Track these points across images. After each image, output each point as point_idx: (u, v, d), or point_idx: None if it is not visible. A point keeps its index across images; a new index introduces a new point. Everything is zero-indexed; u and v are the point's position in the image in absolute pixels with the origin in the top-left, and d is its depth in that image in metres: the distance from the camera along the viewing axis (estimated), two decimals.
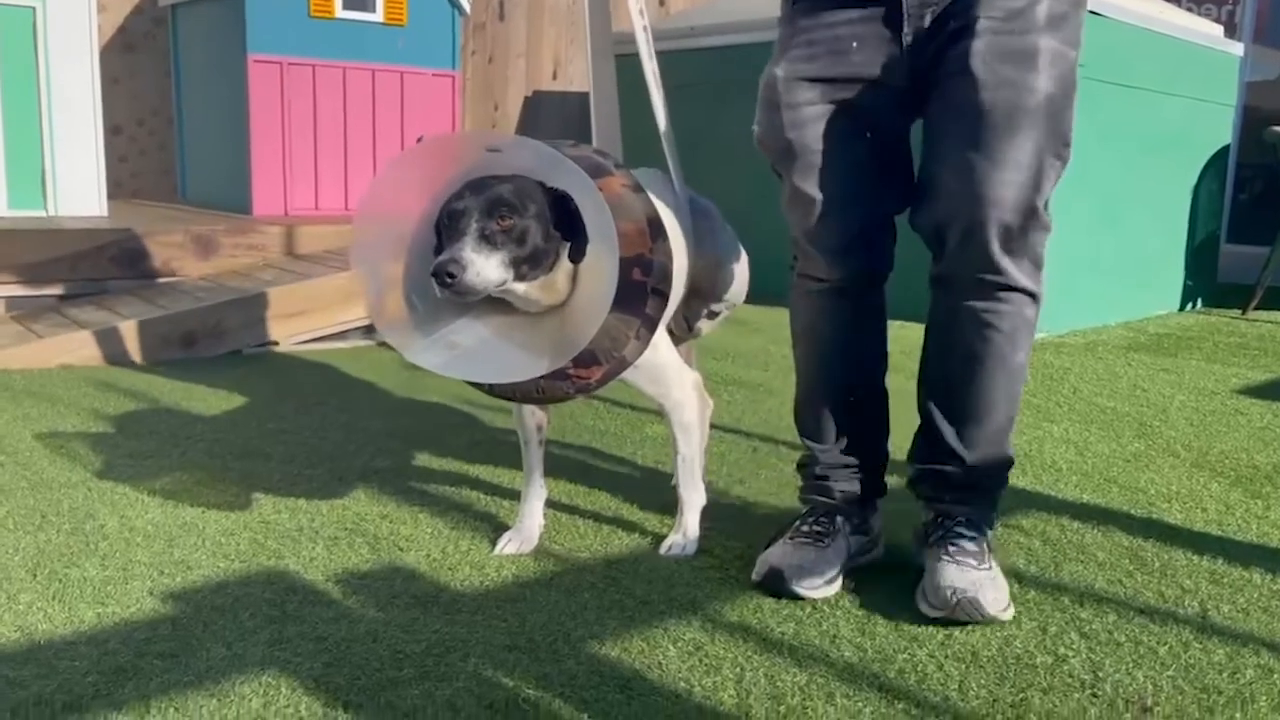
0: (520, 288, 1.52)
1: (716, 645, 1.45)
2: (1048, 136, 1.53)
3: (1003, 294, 1.58)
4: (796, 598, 1.59)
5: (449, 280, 1.42)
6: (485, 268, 1.46)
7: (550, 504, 1.93)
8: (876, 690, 1.34)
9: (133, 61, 5.26)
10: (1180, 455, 2.43)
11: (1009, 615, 1.54)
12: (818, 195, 1.64)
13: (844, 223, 1.65)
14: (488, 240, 1.47)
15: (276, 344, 3.50)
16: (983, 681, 1.36)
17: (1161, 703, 1.32)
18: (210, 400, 2.79)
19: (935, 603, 1.53)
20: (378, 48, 4.57)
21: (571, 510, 1.99)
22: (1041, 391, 3.03)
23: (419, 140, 1.71)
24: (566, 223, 1.52)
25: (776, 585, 1.61)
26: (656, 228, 1.57)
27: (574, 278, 1.56)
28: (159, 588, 1.61)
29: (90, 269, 3.59)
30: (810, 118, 1.63)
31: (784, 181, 1.69)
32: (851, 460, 1.75)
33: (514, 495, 2.05)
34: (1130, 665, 1.41)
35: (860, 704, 1.30)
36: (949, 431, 1.66)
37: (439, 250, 1.50)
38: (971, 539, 1.60)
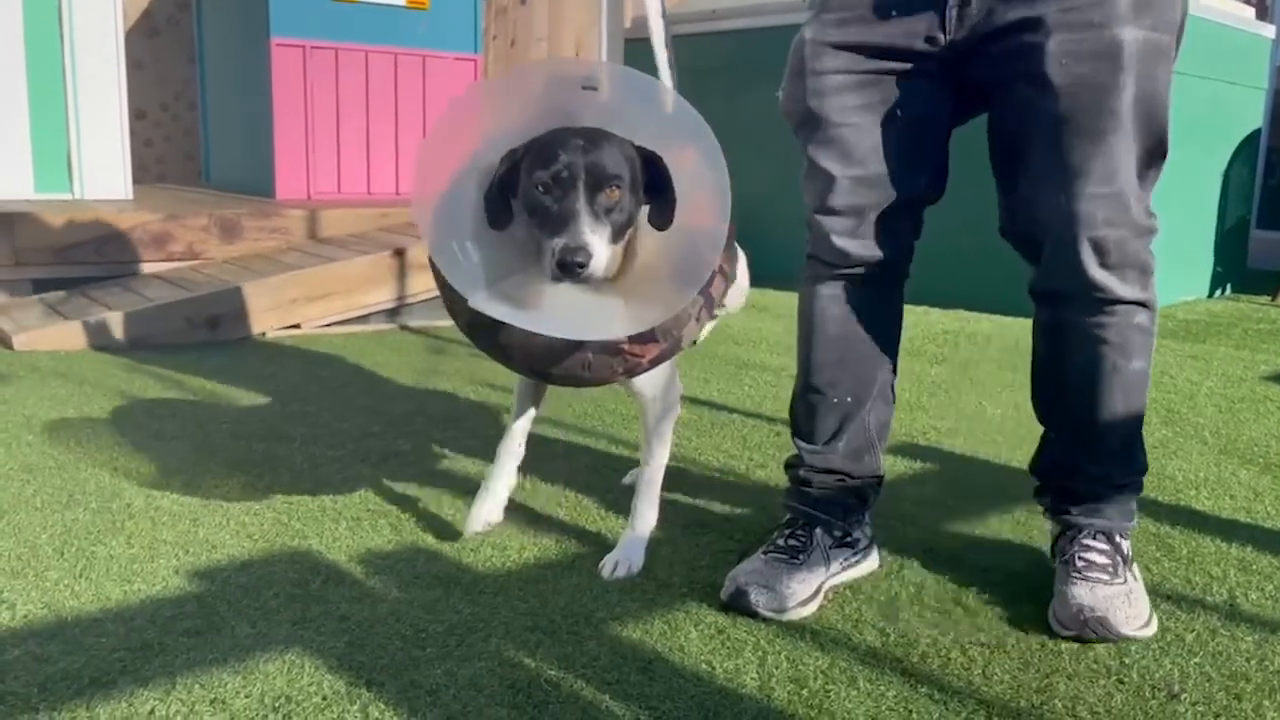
0: None
1: (738, 629, 1.45)
2: (1141, 138, 1.40)
3: (1108, 307, 1.46)
4: (760, 617, 1.47)
5: (580, 270, 1.31)
6: (602, 250, 1.34)
7: (570, 486, 1.93)
8: (899, 675, 1.33)
9: (156, 46, 5.28)
10: (1208, 442, 2.40)
11: (1148, 633, 1.43)
12: (834, 171, 1.53)
13: (859, 203, 1.54)
14: (599, 217, 1.35)
15: (299, 327, 3.52)
16: (1007, 667, 1.35)
17: (1189, 690, 1.30)
18: (234, 382, 2.81)
19: (1064, 621, 1.42)
20: (400, 31, 4.57)
21: (593, 492, 1.99)
22: None
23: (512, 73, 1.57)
24: (652, 185, 1.41)
25: (740, 605, 1.48)
26: (724, 202, 1.45)
27: (632, 243, 1.45)
28: (184, 566, 1.62)
29: (116, 252, 3.62)
30: (834, 87, 1.52)
31: (803, 153, 1.60)
32: (841, 467, 1.62)
33: (535, 475, 2.06)
34: (1157, 652, 1.39)
35: (883, 688, 1.30)
36: (1068, 446, 1.56)
37: (496, 208, 1.39)
38: (1102, 551, 1.49)
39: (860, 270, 1.58)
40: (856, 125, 1.52)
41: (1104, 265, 1.43)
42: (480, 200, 1.42)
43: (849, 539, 1.62)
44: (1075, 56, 1.38)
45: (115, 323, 3.21)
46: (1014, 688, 1.30)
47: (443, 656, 1.35)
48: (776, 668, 1.34)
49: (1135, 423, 1.55)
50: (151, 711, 1.22)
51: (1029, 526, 1.83)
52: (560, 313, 1.39)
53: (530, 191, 1.37)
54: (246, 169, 4.72)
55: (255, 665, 1.32)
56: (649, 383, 1.64)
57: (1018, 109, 1.46)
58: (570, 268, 1.31)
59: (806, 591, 1.51)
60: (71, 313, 3.27)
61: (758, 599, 1.47)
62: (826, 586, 1.56)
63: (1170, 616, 1.50)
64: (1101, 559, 1.49)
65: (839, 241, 1.56)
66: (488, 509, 1.71)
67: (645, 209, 1.43)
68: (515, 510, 1.88)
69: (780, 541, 1.59)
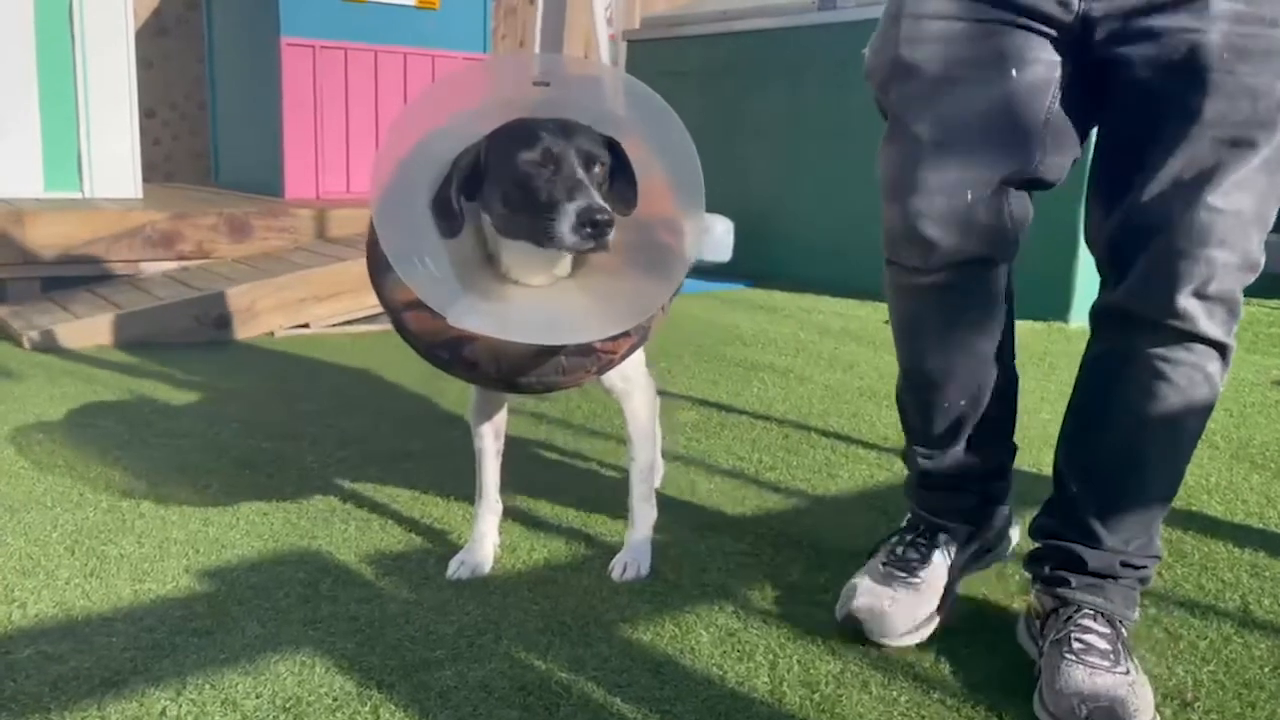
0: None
1: (749, 632, 1.44)
2: None
3: (1185, 343, 1.26)
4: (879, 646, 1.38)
5: (609, 229, 1.24)
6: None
7: (579, 487, 1.92)
8: (911, 679, 1.32)
9: (166, 45, 5.29)
10: (1220, 447, 2.39)
11: None
12: (926, 135, 1.28)
13: (955, 179, 1.29)
14: (597, 188, 1.31)
15: (308, 326, 3.52)
16: (1020, 673, 1.35)
17: (1202, 698, 1.29)
18: (243, 381, 2.81)
19: (1057, 712, 1.22)
20: (409, 31, 4.57)
21: (602, 494, 1.99)
22: None
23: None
24: (613, 172, 1.37)
25: (855, 629, 1.39)
26: (691, 185, 1.42)
27: None
28: (194, 566, 1.62)
29: (125, 250, 3.63)
30: (937, 34, 1.28)
31: (887, 118, 1.36)
32: (963, 468, 1.47)
33: (545, 477, 2.05)
34: (1170, 659, 1.39)
35: (895, 693, 1.29)
36: (1088, 504, 1.35)
37: (448, 214, 1.31)
38: (1102, 635, 1.29)
39: (956, 272, 1.36)
40: (962, 81, 1.27)
41: (1198, 292, 1.23)
42: (428, 210, 1.33)
43: (976, 537, 1.51)
44: (1240, 53, 1.17)
45: (124, 321, 3.21)
46: (1027, 693, 1.30)
47: (453, 658, 1.35)
48: (788, 671, 1.34)
49: (1169, 494, 1.36)
50: (163, 712, 1.22)
51: None
52: (539, 319, 1.33)
53: (518, 172, 1.29)
54: (255, 168, 4.72)
55: (266, 666, 1.32)
56: (622, 376, 1.59)
57: (1151, 102, 1.23)
58: (600, 226, 1.24)
59: (924, 613, 1.40)
60: (81, 311, 3.27)
61: (872, 628, 1.38)
62: (951, 599, 1.45)
63: (1183, 623, 1.49)
64: (1102, 643, 1.28)
65: (926, 228, 1.31)
66: (475, 562, 1.62)
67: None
68: (524, 512, 1.88)
69: (899, 550, 1.47)
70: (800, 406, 2.66)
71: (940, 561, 1.46)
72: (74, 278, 3.58)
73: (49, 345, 3.09)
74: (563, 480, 2.06)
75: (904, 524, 1.54)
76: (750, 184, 4.95)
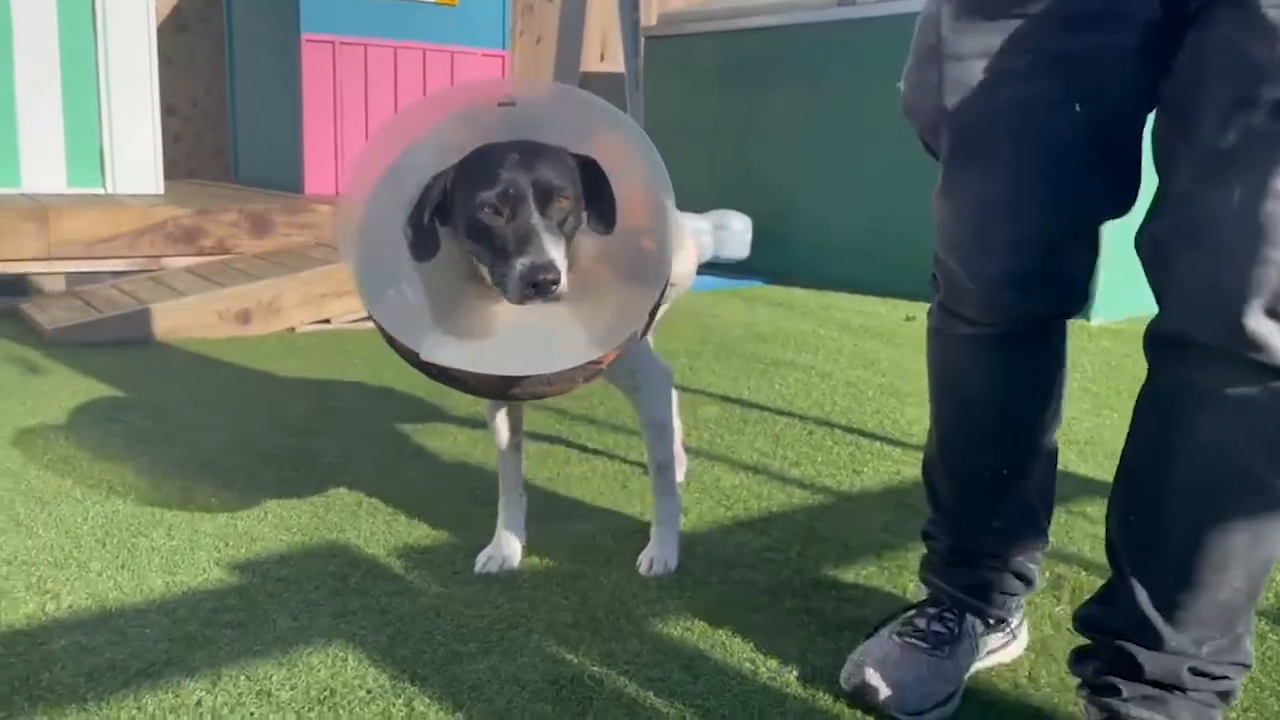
0: None
1: (779, 627, 1.44)
2: None
3: (1267, 380, 0.98)
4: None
5: (554, 288, 1.21)
6: (564, 265, 1.25)
7: (608, 482, 1.92)
8: None
9: (187, 42, 5.31)
10: None
11: None
12: (988, 195, 1.11)
13: (1023, 237, 1.11)
14: (554, 231, 1.26)
15: (329, 322, 3.53)
16: (1053, 670, 1.34)
17: (1240, 697, 1.28)
18: (265, 376, 2.82)
19: None
20: (429, 27, 4.58)
21: (629, 488, 1.98)
22: (1100, 378, 2.97)
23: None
24: (590, 191, 1.32)
25: (864, 699, 1.22)
26: (660, 190, 1.38)
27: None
28: (224, 558, 1.63)
29: (148, 246, 3.65)
30: (984, 77, 1.08)
31: (936, 159, 1.20)
32: (998, 549, 1.30)
33: (572, 471, 2.06)
34: None
35: None
36: (1144, 592, 1.08)
37: (422, 237, 1.29)
38: None
39: (1015, 327, 1.18)
40: (1019, 131, 1.09)
41: (1271, 309, 0.94)
42: (403, 234, 1.30)
43: (1003, 621, 1.32)
44: None
45: (148, 317, 3.23)
46: (1061, 690, 1.29)
47: (485, 652, 1.35)
48: (820, 667, 1.33)
49: (1257, 579, 1.05)
50: (199, 702, 1.22)
51: (1070, 528, 1.81)
52: (519, 343, 1.31)
53: (475, 215, 1.26)
54: (275, 164, 4.74)
55: (299, 658, 1.32)
56: (629, 371, 1.57)
57: (1205, 52, 0.98)
58: (543, 287, 1.21)
59: (947, 689, 1.23)
60: (104, 306, 3.29)
61: (888, 698, 1.20)
62: (967, 677, 1.28)
63: None
64: None
65: (996, 293, 1.14)
66: (502, 556, 1.63)
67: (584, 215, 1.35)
68: (553, 507, 1.88)
69: (921, 624, 1.29)
70: (822, 403, 2.66)
71: (967, 641, 1.28)
72: (97, 273, 3.60)
73: (73, 339, 3.11)
74: (589, 475, 2.06)
75: (925, 599, 1.35)
76: (769, 180, 4.94)
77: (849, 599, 1.52)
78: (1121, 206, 1.15)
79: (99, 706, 1.21)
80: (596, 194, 1.33)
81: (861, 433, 2.39)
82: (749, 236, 5.45)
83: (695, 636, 1.41)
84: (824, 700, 1.26)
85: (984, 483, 1.28)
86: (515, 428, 1.67)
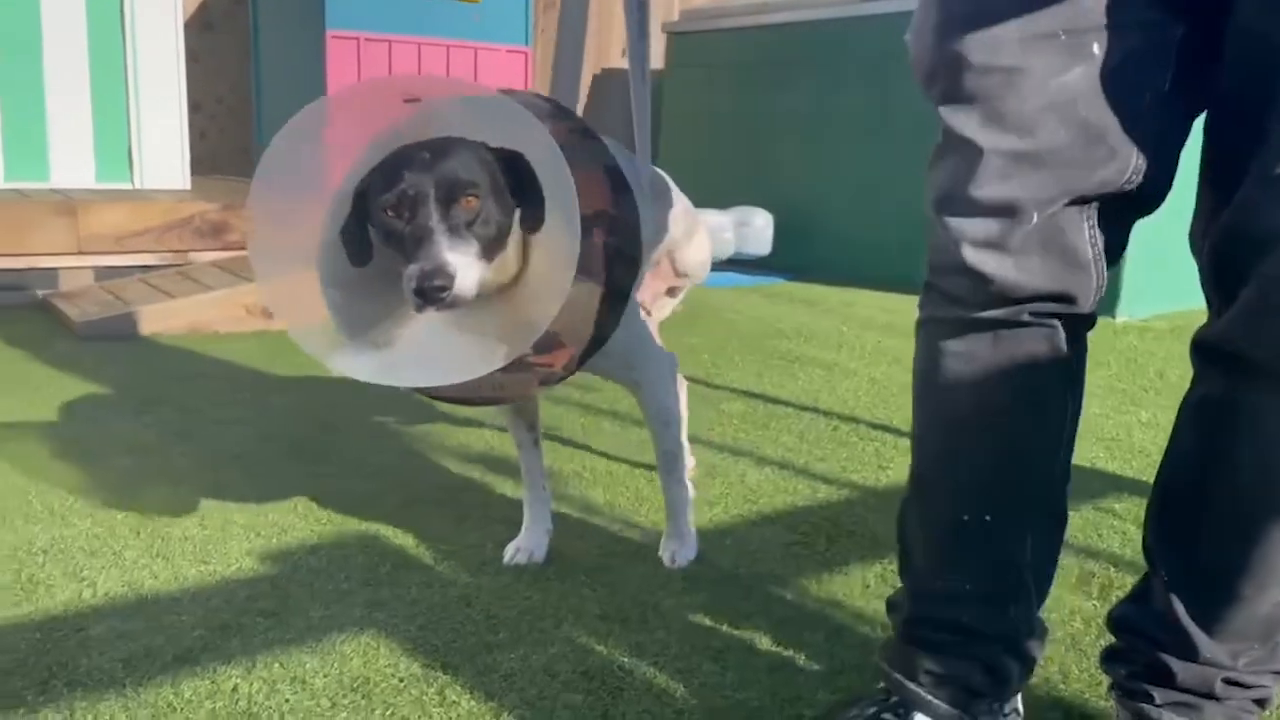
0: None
1: (808, 621, 1.44)
2: None
3: None
4: None
5: (442, 295, 1.14)
6: (468, 269, 1.18)
7: (634, 475, 1.92)
8: None
9: (212, 39, 5.35)
10: None
11: None
12: (980, 140, 0.97)
13: (1016, 195, 0.97)
14: (458, 232, 1.18)
15: None
16: (1083, 665, 1.34)
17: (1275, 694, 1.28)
18: (291, 370, 2.84)
19: None
20: (453, 24, 4.59)
21: (652, 483, 1.99)
22: (1126, 375, 2.96)
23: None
24: (518, 187, 1.24)
25: None
26: (617, 179, 1.33)
27: (525, 248, 1.29)
28: (256, 548, 1.64)
29: (175, 240, 3.68)
30: (990, 10, 0.96)
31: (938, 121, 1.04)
32: (968, 622, 1.07)
33: (601, 461, 2.06)
34: None
35: None
36: (1183, 598, 1.02)
37: (355, 242, 1.25)
38: None
39: (1012, 309, 1.01)
40: (1021, 70, 0.95)
41: None
42: (336, 239, 1.26)
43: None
44: None
45: (175, 310, 3.26)
46: (1092, 684, 1.29)
47: (515, 642, 1.36)
48: (849, 660, 1.33)
49: None
50: (235, 689, 1.24)
51: (1098, 524, 1.81)
52: (440, 352, 1.25)
53: (379, 217, 1.21)
54: None
55: (332, 646, 1.34)
56: (625, 365, 1.52)
57: (1270, 50, 0.89)
58: (430, 294, 1.14)
59: None
60: (132, 299, 3.32)
61: None
62: None
63: None
64: None
65: (976, 257, 0.99)
66: (529, 548, 1.63)
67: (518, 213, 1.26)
68: (579, 499, 1.89)
69: None
70: (846, 400, 2.65)
71: None
72: (125, 267, 3.63)
73: (101, 333, 3.14)
74: (614, 470, 2.07)
75: (875, 692, 1.12)
76: (791, 177, 4.93)
77: (878, 595, 1.52)
78: (1150, 184, 0.98)
79: (137, 692, 1.22)
80: (525, 190, 1.24)
81: (887, 429, 2.38)
82: (770, 233, 5.43)
83: (724, 629, 1.41)
84: (853, 692, 1.26)
85: (961, 530, 1.06)
86: (531, 424, 1.65)
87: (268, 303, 1.40)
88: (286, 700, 1.22)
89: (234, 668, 1.28)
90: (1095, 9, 0.94)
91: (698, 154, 5.45)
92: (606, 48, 6.03)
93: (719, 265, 4.74)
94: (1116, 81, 0.95)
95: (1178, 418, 1.05)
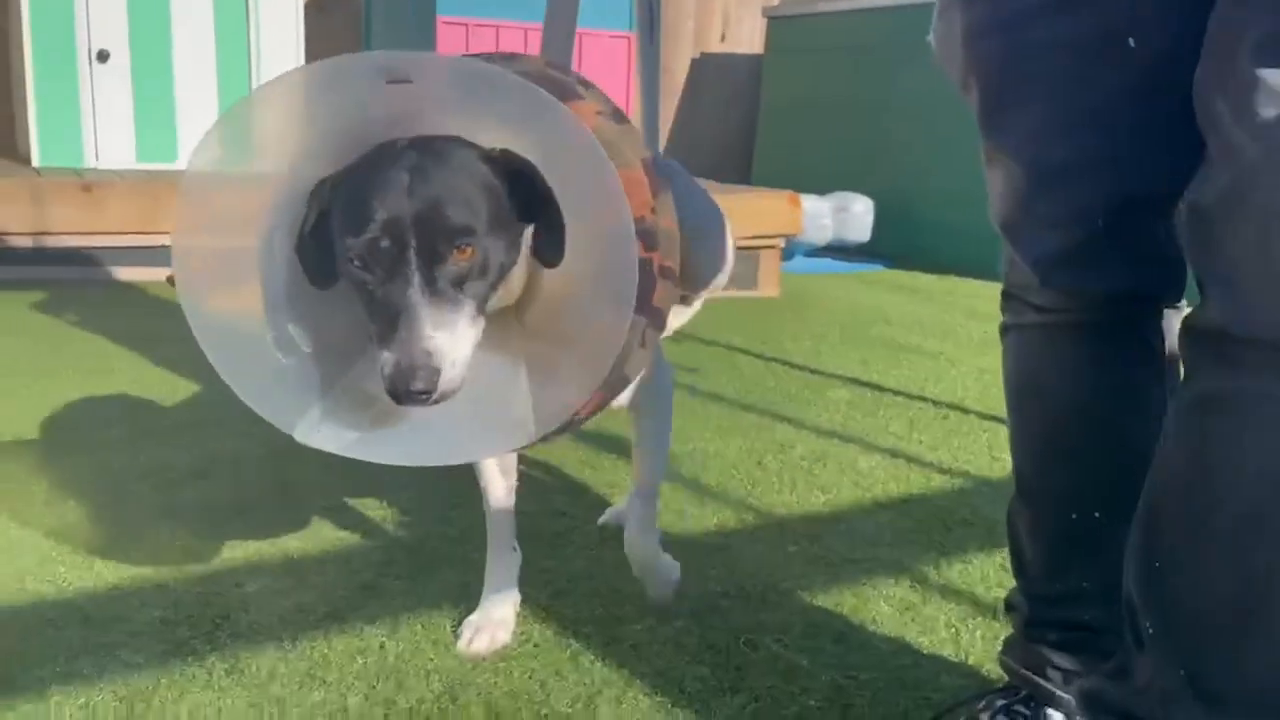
0: None
1: (930, 606, 1.46)
2: None
3: None
4: None
5: (423, 399, 0.88)
6: (458, 345, 0.90)
7: (743, 459, 1.95)
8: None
9: (324, 23, 5.51)
10: None
11: None
12: (1027, 153, 0.96)
13: (1076, 204, 0.95)
14: (444, 297, 0.90)
15: None
16: None
17: None
18: None
19: None
20: None
21: (764, 467, 2.02)
22: None
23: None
24: (527, 205, 0.95)
25: None
26: (657, 174, 1.05)
27: (534, 276, 1.03)
28: (389, 517, 1.72)
29: None
30: (1019, 11, 0.93)
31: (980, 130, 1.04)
32: (1086, 619, 1.05)
33: (714, 442, 2.10)
34: None
35: None
36: (1170, 664, 0.86)
37: (314, 265, 0.97)
38: None
39: (1093, 314, 1.00)
40: (1060, 72, 0.92)
41: None
42: (292, 256, 0.98)
43: None
44: None
45: None
46: None
47: (640, 614, 1.41)
48: (972, 646, 1.35)
49: None
50: (381, 646, 1.31)
51: None
52: (421, 424, 0.98)
53: (345, 266, 0.93)
54: None
55: (468, 610, 1.40)
56: (644, 389, 1.28)
57: None
58: (409, 399, 0.88)
59: None
60: None
61: None
62: None
63: None
64: None
65: (1049, 272, 0.98)
66: (490, 634, 1.33)
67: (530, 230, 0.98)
68: (695, 480, 1.93)
69: (985, 718, 1.10)
70: (954, 389, 2.64)
71: None
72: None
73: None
74: (724, 450, 2.10)
75: (1002, 686, 1.13)
76: (894, 163, 4.88)
77: (1000, 584, 1.52)
78: (1186, 169, 0.86)
79: (294, 645, 1.31)
80: (538, 208, 0.95)
81: (997, 419, 2.37)
82: (870, 219, 5.37)
83: (844, 611, 1.44)
84: (979, 681, 1.27)
85: (1065, 530, 1.04)
86: (507, 470, 1.39)
87: (203, 345, 1.09)
88: (430, 659, 1.29)
89: (379, 627, 1.36)
90: (1124, 8, 0.90)
91: (798, 139, 5.42)
92: (704, 31, 6.03)
93: (815, 251, 4.74)
94: (1161, 78, 0.89)
95: (1164, 430, 0.88)
